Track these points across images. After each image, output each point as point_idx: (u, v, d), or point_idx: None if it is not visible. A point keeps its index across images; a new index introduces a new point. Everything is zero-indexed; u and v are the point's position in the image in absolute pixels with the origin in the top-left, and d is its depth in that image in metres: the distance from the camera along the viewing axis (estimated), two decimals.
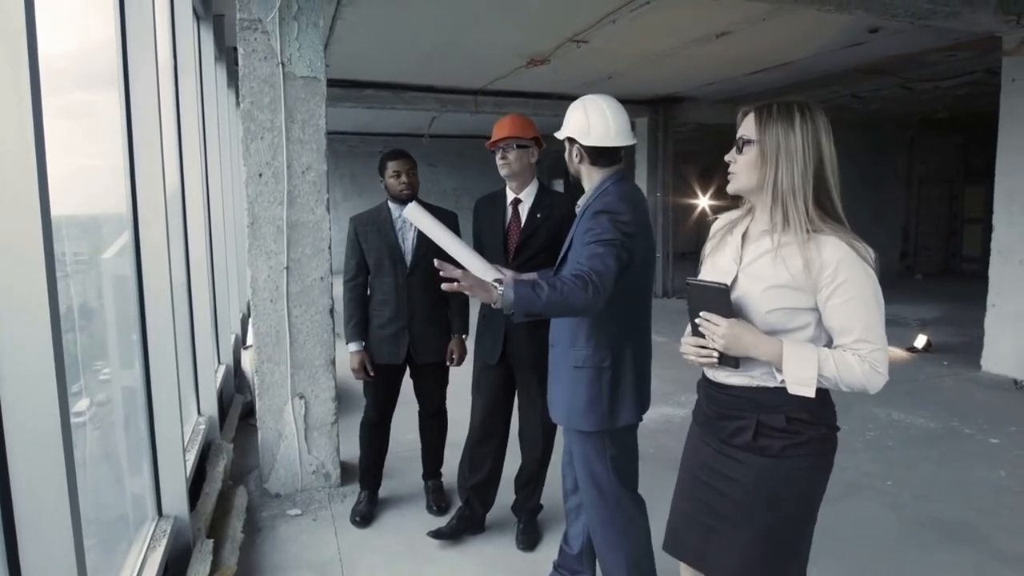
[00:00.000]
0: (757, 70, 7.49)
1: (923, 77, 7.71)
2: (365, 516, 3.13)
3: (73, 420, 2.19)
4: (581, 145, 2.10)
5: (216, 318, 4.52)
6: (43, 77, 2.09)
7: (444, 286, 1.74)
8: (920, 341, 6.42)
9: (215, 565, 2.46)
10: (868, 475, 3.60)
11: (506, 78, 7.75)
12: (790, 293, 1.44)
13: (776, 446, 1.47)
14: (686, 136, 11.34)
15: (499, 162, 2.62)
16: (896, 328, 7.45)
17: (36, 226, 1.14)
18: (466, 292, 1.74)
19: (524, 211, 2.66)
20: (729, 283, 1.50)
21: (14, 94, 1.15)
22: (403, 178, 2.97)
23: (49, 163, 2.09)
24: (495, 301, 1.75)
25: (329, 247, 3.38)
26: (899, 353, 6.39)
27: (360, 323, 3.05)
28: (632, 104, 9.79)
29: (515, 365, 2.72)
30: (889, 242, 12.02)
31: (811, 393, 1.41)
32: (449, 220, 2.87)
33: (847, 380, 1.40)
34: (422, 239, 3.00)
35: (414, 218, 2.34)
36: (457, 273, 1.74)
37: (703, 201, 10.37)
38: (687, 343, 1.56)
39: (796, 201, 1.43)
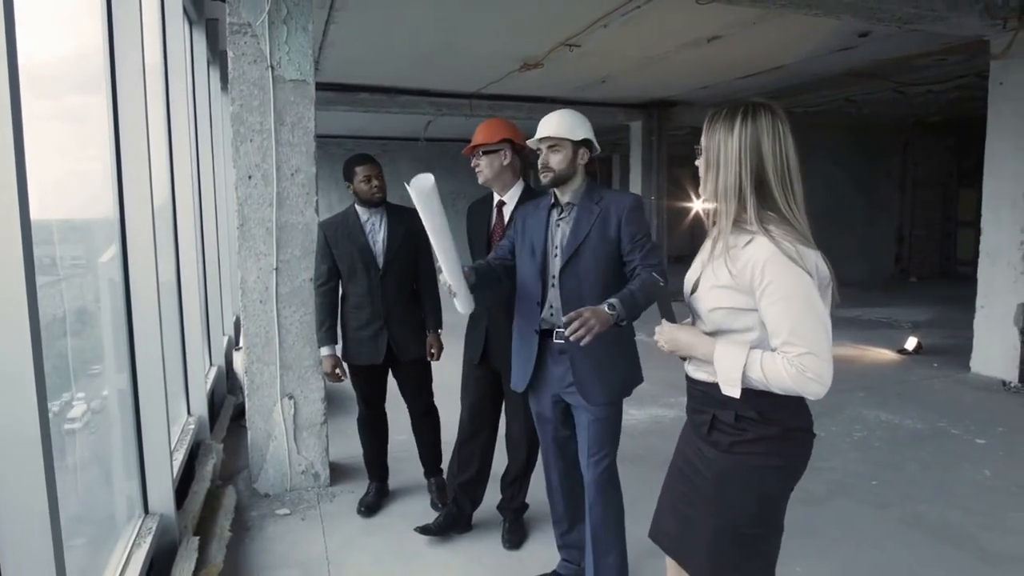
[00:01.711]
0: (749, 74, 7.54)
1: (915, 81, 7.77)
2: (370, 507, 3.21)
3: (69, 425, 2.23)
4: (593, 149, 2.30)
5: (208, 320, 4.55)
6: (38, 80, 2.12)
7: (583, 340, 1.91)
8: (911, 343, 6.45)
9: (201, 563, 2.48)
10: (854, 475, 3.62)
11: (500, 81, 7.80)
12: (731, 293, 1.46)
13: (725, 441, 1.50)
14: (680, 140, 11.37)
15: (475, 170, 2.69)
16: (888, 330, 7.50)
17: (15, 228, 1.16)
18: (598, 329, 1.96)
19: (508, 212, 2.70)
20: (694, 281, 1.57)
21: None
22: (375, 182, 3.02)
23: (46, 167, 2.12)
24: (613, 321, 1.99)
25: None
26: (889, 355, 6.42)
27: (332, 328, 3.11)
28: (626, 108, 9.84)
29: (499, 366, 2.75)
30: (884, 245, 12.07)
31: (735, 393, 1.43)
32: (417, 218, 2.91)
33: (776, 383, 1.40)
34: (392, 241, 3.05)
35: (418, 192, 2.00)
36: (588, 326, 1.89)
37: (697, 204, 10.39)
38: (657, 329, 1.65)
39: (729, 204, 1.47)
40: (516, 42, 6.13)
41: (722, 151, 1.47)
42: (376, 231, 3.08)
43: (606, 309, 1.95)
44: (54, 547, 1.37)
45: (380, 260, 3.06)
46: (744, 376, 1.42)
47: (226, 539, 2.79)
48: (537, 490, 2.90)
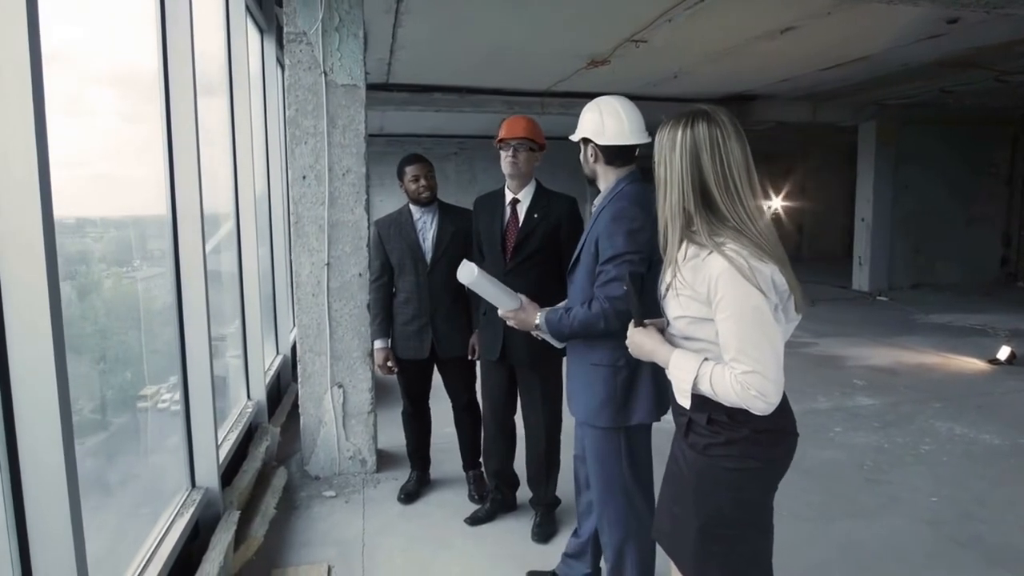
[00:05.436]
0: (831, 65, 7.19)
1: (1018, 69, 7.16)
2: (410, 494, 3.36)
3: (174, 407, 2.49)
4: (596, 145, 2.12)
5: (276, 312, 4.83)
6: (139, 87, 2.38)
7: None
8: (1003, 353, 5.98)
9: (243, 536, 2.67)
10: (912, 490, 3.43)
11: (569, 79, 7.79)
12: (694, 303, 1.47)
13: (701, 444, 1.51)
14: (762, 134, 10.97)
15: (508, 160, 2.67)
16: (981, 338, 6.98)
17: (37, 225, 1.32)
18: (515, 325, 2.24)
19: (522, 211, 2.73)
20: (667, 284, 1.56)
21: (18, 97, 1.32)
22: (422, 181, 3.12)
23: (152, 166, 2.37)
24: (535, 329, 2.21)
25: (367, 245, 3.56)
26: (978, 365, 5.98)
27: (385, 321, 3.24)
28: (702, 102, 9.52)
29: (515, 362, 2.80)
30: (986, 246, 11.20)
31: (686, 403, 1.46)
32: (468, 217, 3.06)
33: (723, 397, 1.40)
34: (441, 238, 3.15)
35: (471, 279, 2.14)
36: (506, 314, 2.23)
37: (776, 202, 9.94)
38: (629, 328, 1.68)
39: (675, 221, 1.48)
40: (580, 40, 6.12)
41: (667, 167, 1.48)
42: (427, 229, 3.19)
43: (536, 318, 2.12)
44: (75, 538, 1.52)
45: (428, 257, 3.16)
46: (695, 386, 1.43)
47: (270, 516, 2.98)
48: (570, 485, 2.94)
